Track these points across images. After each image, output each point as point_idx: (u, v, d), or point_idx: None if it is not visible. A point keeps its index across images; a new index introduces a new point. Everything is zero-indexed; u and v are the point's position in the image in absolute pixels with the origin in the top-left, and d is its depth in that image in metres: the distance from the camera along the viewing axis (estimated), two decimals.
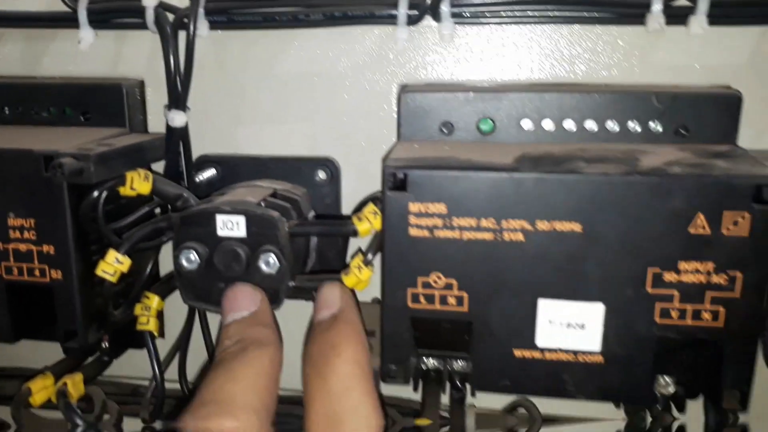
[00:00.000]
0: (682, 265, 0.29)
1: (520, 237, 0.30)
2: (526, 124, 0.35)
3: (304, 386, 0.29)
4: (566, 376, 0.31)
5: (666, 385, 0.32)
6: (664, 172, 0.28)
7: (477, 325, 0.31)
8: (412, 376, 0.36)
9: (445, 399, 0.37)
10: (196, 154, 0.41)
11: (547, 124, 0.35)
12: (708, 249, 0.28)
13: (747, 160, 0.30)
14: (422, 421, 0.36)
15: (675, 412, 0.35)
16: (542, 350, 0.31)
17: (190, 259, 0.34)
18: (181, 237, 0.34)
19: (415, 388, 0.37)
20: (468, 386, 0.38)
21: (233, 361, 0.29)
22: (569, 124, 0.34)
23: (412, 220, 0.30)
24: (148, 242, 0.38)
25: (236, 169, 0.41)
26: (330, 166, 0.40)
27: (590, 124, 0.34)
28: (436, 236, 0.30)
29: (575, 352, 0.31)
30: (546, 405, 0.41)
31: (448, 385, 0.35)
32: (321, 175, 0.40)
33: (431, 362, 0.36)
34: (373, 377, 0.29)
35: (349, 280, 0.34)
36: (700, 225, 0.28)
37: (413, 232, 0.31)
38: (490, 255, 0.30)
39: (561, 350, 0.31)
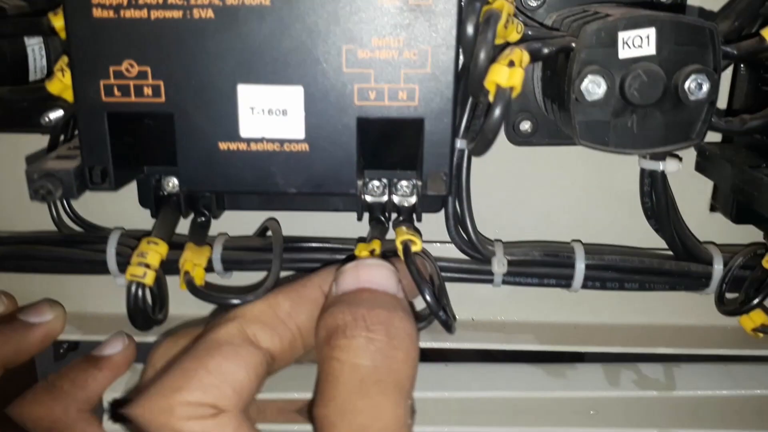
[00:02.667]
0: (375, 41, 0.28)
1: (210, 14, 0.28)
2: None
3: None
4: (274, 168, 0.30)
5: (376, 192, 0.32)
6: None
7: (178, 118, 0.29)
8: (151, 201, 0.35)
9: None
10: None
11: None
12: (398, 22, 0.27)
13: None
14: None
15: None
16: (247, 141, 0.30)
17: None
18: None
19: (154, 215, 0.35)
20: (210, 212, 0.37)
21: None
22: None
23: None
24: None
25: None
26: None
27: None
28: (123, 17, 0.28)
29: (281, 141, 0.29)
30: None
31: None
32: None
33: (170, 185, 0.34)
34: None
35: (53, 86, 0.31)
36: None
37: (97, 13, 0.28)
38: (182, 36, 0.28)
39: (266, 140, 0.29)
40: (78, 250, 0.38)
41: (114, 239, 0.38)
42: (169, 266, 0.35)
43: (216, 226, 0.38)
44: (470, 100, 0.32)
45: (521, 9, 0.34)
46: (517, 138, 0.37)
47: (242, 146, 0.30)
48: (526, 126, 0.37)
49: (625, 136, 0.28)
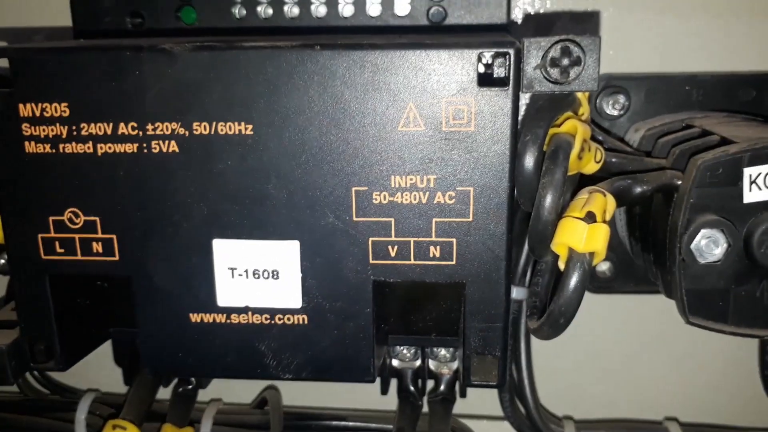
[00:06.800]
0: (396, 181, 0.20)
1: (173, 147, 0.21)
2: (239, 10, 0.26)
3: None
4: (263, 347, 0.22)
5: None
6: (359, 44, 0.20)
7: (137, 282, 0.22)
8: (126, 361, 0.28)
9: None
10: None
11: (265, 10, 0.26)
12: (426, 155, 0.20)
13: (489, 35, 0.22)
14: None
15: None
16: (227, 312, 0.22)
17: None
18: None
19: (128, 380, 0.28)
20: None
21: None
22: (291, 10, 0.26)
23: (27, 129, 0.21)
24: None
25: None
26: None
27: (321, 9, 0.26)
28: (63, 152, 0.21)
29: (271, 312, 0.22)
30: None
31: None
32: None
33: None
34: None
35: None
36: (412, 119, 0.19)
37: (30, 147, 0.21)
38: (138, 176, 0.21)
39: (251, 310, 0.22)
40: (42, 418, 0.31)
41: (84, 406, 0.31)
42: None
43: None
44: None
45: (598, 119, 0.26)
46: (593, 283, 0.29)
47: (220, 318, 0.22)
48: (603, 267, 0.28)
49: (751, 310, 0.20)
